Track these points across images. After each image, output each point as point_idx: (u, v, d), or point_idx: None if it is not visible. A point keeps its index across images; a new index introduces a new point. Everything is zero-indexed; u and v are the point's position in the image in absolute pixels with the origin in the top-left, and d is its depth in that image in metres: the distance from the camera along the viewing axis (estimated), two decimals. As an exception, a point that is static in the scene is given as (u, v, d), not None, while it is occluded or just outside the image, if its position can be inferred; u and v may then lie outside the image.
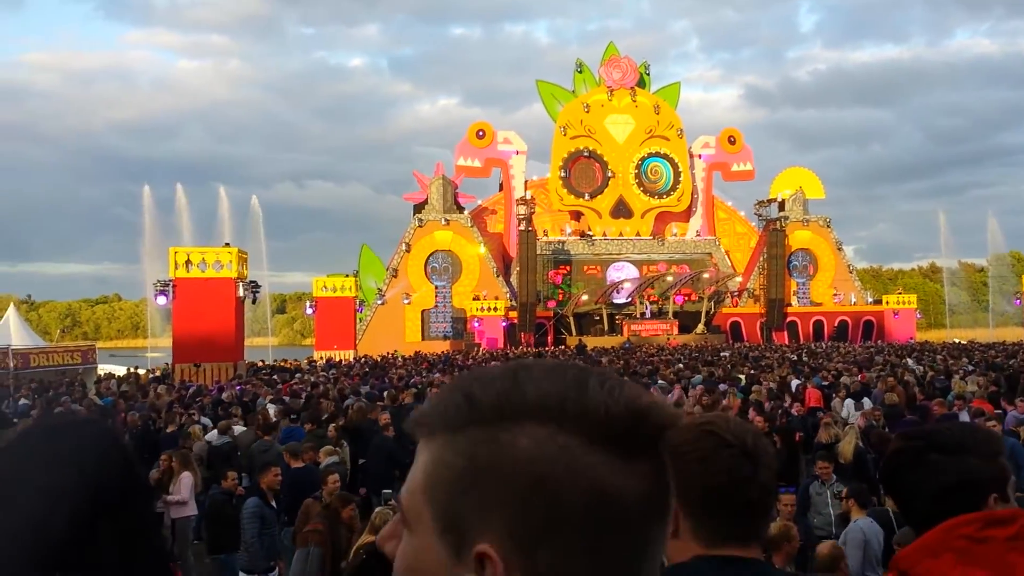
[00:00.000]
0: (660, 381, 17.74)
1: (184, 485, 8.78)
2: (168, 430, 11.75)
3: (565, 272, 51.82)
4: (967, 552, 1.48)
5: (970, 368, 20.47)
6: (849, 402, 13.98)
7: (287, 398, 15.89)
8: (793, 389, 16.23)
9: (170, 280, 29.65)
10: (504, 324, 46.18)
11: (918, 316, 53.88)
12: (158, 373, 27.96)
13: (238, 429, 11.52)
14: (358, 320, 46.93)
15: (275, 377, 23.38)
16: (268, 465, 7.82)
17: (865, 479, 9.69)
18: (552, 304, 49.39)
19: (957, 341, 45.51)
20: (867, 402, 13.63)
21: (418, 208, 51.03)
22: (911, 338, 47.39)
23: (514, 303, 47.30)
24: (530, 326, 45.58)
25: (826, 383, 17.33)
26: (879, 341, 45.77)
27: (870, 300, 53.51)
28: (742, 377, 18.95)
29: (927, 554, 1.52)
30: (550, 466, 0.63)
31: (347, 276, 47.39)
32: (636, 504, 0.65)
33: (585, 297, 49.53)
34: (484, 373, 0.70)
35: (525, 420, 0.65)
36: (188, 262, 29.82)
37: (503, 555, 0.62)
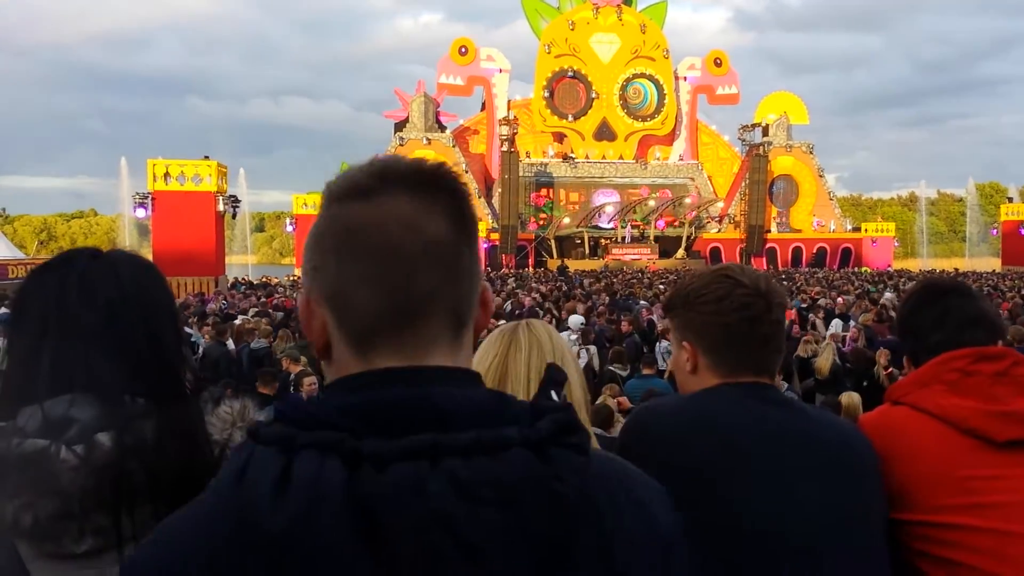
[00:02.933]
0: (642, 301, 17.97)
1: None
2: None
3: (547, 195, 51.65)
4: (956, 384, 1.61)
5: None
6: (837, 322, 14.24)
7: (271, 311, 15.97)
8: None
9: (149, 193, 29.35)
10: (486, 246, 46.15)
11: (896, 245, 54.38)
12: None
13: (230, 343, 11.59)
14: (339, 238, 46.65)
15: (257, 292, 23.40)
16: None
17: (839, 394, 10.00)
18: (534, 226, 49.35)
19: (933, 269, 46.18)
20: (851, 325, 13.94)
21: (399, 126, 50.31)
22: (888, 266, 47.96)
23: (496, 225, 47.20)
24: (512, 248, 45.59)
25: (804, 306, 17.73)
26: (856, 267, 46.28)
27: (849, 228, 53.83)
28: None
29: (918, 386, 1.65)
30: None
31: (328, 194, 46.89)
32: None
33: (567, 220, 49.51)
34: None
35: None
36: (167, 175, 29.45)
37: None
